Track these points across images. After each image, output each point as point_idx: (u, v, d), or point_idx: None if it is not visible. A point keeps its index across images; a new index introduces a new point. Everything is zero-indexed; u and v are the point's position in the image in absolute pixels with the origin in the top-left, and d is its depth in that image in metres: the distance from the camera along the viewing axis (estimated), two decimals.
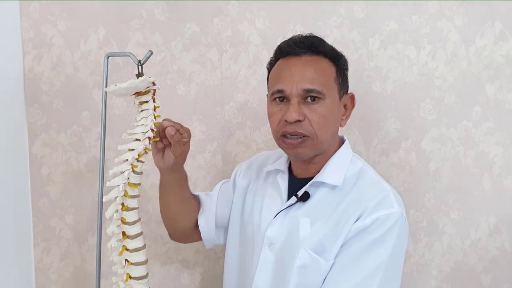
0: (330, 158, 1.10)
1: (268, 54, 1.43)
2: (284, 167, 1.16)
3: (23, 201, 1.49)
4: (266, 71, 1.44)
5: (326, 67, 1.06)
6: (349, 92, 1.13)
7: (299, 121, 1.03)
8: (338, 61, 1.08)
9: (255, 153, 1.48)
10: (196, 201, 1.26)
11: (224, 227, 1.26)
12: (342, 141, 1.16)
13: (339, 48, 1.10)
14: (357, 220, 1.01)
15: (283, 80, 1.04)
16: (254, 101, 1.46)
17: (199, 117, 1.47)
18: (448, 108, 1.43)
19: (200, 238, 1.27)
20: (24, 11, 1.42)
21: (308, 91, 1.02)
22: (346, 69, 1.12)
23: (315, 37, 1.08)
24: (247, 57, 1.44)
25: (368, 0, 1.40)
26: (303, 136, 1.04)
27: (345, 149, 1.13)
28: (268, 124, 1.45)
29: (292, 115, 1.02)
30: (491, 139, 1.43)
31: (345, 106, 1.11)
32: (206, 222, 1.24)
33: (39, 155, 1.49)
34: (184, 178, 1.19)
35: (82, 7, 1.42)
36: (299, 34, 1.10)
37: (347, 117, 1.12)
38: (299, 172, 1.13)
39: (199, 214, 1.25)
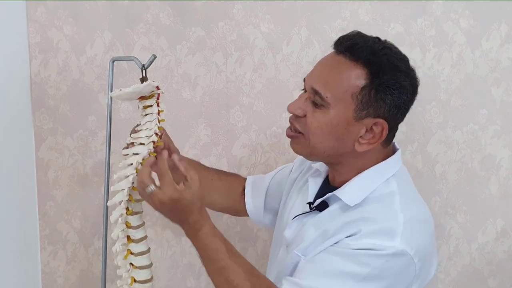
0: (360, 172, 1.00)
1: (273, 58, 1.43)
2: (324, 170, 1.09)
3: (29, 205, 1.49)
4: (270, 74, 1.45)
5: (351, 77, 0.94)
6: (394, 121, 0.98)
7: (297, 116, 1.00)
8: (377, 77, 0.93)
9: (261, 157, 1.48)
10: (225, 178, 1.27)
11: (274, 209, 1.23)
12: (391, 154, 1.03)
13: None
14: (348, 236, 0.93)
15: (310, 71, 1.01)
16: (259, 104, 1.46)
17: (204, 120, 1.47)
18: (454, 111, 1.42)
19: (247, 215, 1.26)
20: (30, 15, 1.43)
21: (315, 92, 0.97)
22: (389, 92, 0.94)
23: (362, 40, 0.96)
24: (252, 61, 1.44)
25: (373, 1, 1.40)
26: (298, 132, 1.01)
27: (385, 165, 1.00)
28: (274, 128, 1.46)
29: (291, 106, 1.01)
30: (498, 142, 1.42)
31: (371, 129, 0.96)
32: (253, 203, 1.23)
33: (46, 159, 1.49)
34: None
35: (88, 12, 1.43)
36: (356, 31, 0.99)
37: (370, 143, 0.97)
38: (331, 178, 1.06)
39: (247, 194, 1.24)
